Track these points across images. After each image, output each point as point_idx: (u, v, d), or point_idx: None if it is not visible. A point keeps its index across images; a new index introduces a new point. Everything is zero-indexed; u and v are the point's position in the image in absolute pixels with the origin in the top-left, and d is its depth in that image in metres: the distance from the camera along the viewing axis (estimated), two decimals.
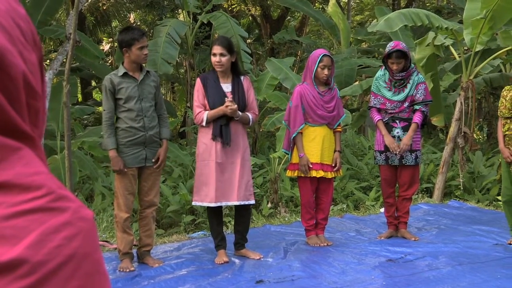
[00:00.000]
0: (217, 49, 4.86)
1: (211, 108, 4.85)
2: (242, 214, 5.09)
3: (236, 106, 4.80)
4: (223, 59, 4.86)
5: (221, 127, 4.84)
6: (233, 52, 4.96)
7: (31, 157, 0.58)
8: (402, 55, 5.42)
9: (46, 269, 0.52)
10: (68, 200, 0.58)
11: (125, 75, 4.70)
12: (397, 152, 5.49)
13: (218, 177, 4.82)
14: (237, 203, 4.90)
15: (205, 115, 4.84)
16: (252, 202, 5.03)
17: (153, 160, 4.80)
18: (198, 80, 5.02)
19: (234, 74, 5.01)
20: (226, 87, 4.94)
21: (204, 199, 4.86)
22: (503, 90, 5.48)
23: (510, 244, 5.44)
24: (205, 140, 4.89)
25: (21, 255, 0.51)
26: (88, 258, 0.56)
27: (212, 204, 4.84)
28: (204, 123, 4.85)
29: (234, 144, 4.90)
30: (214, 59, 4.88)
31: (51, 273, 0.52)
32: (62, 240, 0.54)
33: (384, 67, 5.66)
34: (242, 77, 5.06)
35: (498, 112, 5.48)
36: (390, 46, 5.49)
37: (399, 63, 5.43)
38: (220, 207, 5.03)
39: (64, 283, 0.53)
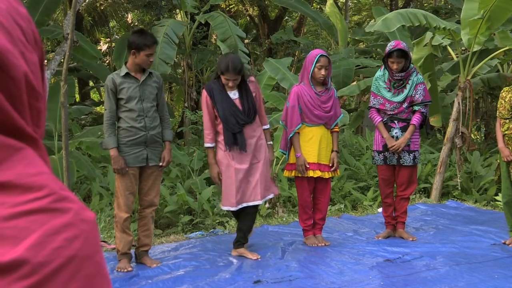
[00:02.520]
0: (231, 76, 4.85)
1: (221, 118, 4.90)
2: (249, 212, 5.13)
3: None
4: (235, 82, 4.92)
5: (235, 135, 4.90)
6: (242, 72, 4.97)
7: (33, 157, 0.58)
8: (403, 54, 5.42)
9: (46, 270, 0.52)
10: (70, 201, 0.58)
11: (127, 75, 4.71)
12: (391, 149, 5.50)
13: (238, 181, 4.92)
14: (260, 202, 5.07)
15: (207, 146, 5.05)
16: (275, 193, 5.33)
17: (160, 164, 4.83)
18: (204, 93, 5.03)
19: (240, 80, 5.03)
20: (233, 94, 4.96)
21: (226, 204, 5.04)
22: (502, 91, 5.49)
23: (506, 244, 5.45)
24: (220, 148, 5.01)
25: (22, 256, 0.51)
26: (89, 260, 0.56)
27: (233, 208, 4.98)
28: (204, 146, 5.14)
29: (250, 147, 4.98)
30: (227, 82, 4.91)
31: (51, 275, 0.52)
32: (63, 241, 0.54)
33: (383, 67, 5.67)
34: (248, 80, 5.06)
35: (497, 113, 5.48)
36: (391, 45, 5.50)
37: (399, 62, 5.43)
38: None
39: (64, 284, 0.53)
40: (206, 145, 5.04)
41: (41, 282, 0.51)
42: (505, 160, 5.35)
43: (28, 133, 0.59)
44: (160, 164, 4.84)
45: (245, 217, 5.14)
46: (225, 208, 5.12)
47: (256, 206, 5.16)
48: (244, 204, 4.98)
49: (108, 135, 4.66)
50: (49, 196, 0.56)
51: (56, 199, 0.56)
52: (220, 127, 4.96)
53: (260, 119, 5.13)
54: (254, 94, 5.03)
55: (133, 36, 4.77)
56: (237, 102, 4.92)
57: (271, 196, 5.17)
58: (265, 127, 5.18)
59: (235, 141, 4.89)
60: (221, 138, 4.96)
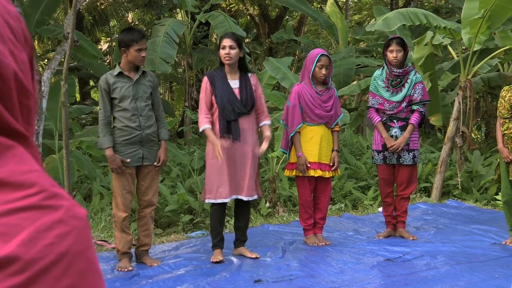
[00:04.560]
0: (226, 41, 4.87)
1: (218, 104, 4.82)
2: (243, 209, 5.11)
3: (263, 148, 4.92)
4: (232, 51, 4.86)
5: (229, 123, 4.85)
6: (242, 47, 4.99)
7: (24, 155, 0.58)
8: (402, 43, 5.45)
9: (38, 266, 0.52)
10: (61, 198, 0.58)
11: (120, 74, 4.71)
12: (391, 149, 5.50)
13: (230, 172, 4.84)
14: (245, 198, 4.94)
15: (205, 127, 4.82)
16: (259, 196, 5.09)
17: (155, 164, 4.81)
18: (205, 78, 4.98)
19: (242, 71, 5.03)
20: (234, 83, 4.93)
21: (218, 196, 4.85)
22: (502, 90, 5.49)
23: (506, 244, 5.44)
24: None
25: (13, 252, 0.51)
26: (81, 256, 0.56)
27: (227, 200, 4.86)
28: (200, 130, 4.93)
29: (243, 139, 4.91)
30: (223, 52, 4.87)
31: (43, 271, 0.52)
32: (54, 238, 0.54)
33: (382, 67, 5.68)
34: (249, 74, 5.06)
35: (497, 113, 5.48)
36: (390, 36, 5.59)
37: (399, 51, 5.44)
38: (225, 207, 5.04)
39: (56, 281, 0.53)
40: (204, 127, 4.84)
41: (32, 278, 0.51)
42: (506, 160, 5.35)
43: (18, 131, 0.60)
44: (155, 164, 4.83)
45: (240, 213, 5.13)
46: (211, 201, 4.90)
47: (249, 202, 5.10)
48: (239, 196, 4.92)
49: (103, 135, 4.65)
50: (40, 193, 0.56)
51: (47, 196, 0.56)
52: (215, 116, 4.89)
53: (261, 115, 5.06)
54: (254, 88, 5.02)
55: (121, 35, 4.80)
56: (236, 92, 4.91)
57: (255, 197, 5.07)
58: (266, 122, 5.05)
59: (229, 129, 4.84)
60: (215, 127, 4.87)
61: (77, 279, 0.55)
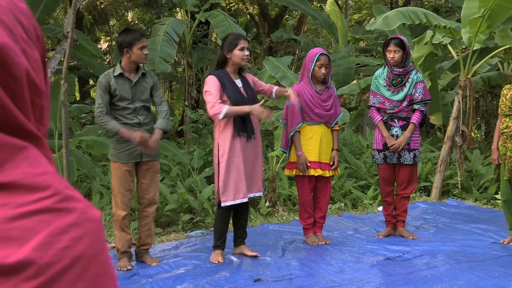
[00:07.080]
0: (245, 43, 4.89)
1: (233, 102, 4.77)
2: (244, 208, 5.11)
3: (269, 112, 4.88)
4: (249, 51, 4.94)
5: (244, 120, 4.84)
6: None
7: (37, 156, 0.58)
8: (401, 43, 5.44)
9: (53, 270, 0.51)
10: (75, 200, 0.57)
11: (120, 75, 4.70)
12: (391, 148, 5.50)
13: (246, 171, 4.84)
14: (258, 194, 5.01)
15: (225, 109, 4.65)
16: (262, 191, 5.16)
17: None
18: (213, 77, 4.85)
19: (239, 71, 5.04)
20: (238, 83, 4.95)
21: (236, 197, 4.83)
22: (504, 89, 5.53)
23: (504, 243, 5.45)
24: (227, 138, 4.82)
25: (28, 256, 0.51)
26: (95, 259, 0.56)
27: (245, 200, 4.85)
28: (220, 117, 4.67)
29: (255, 137, 4.97)
30: (242, 53, 4.85)
31: (58, 275, 0.52)
32: (69, 241, 0.54)
33: (383, 66, 5.68)
34: (243, 74, 5.07)
35: (499, 110, 5.51)
36: (389, 36, 5.59)
37: (397, 52, 5.44)
38: (231, 209, 5.02)
39: (71, 284, 0.52)
40: (225, 108, 4.64)
41: (47, 282, 0.51)
42: (493, 162, 5.36)
43: (31, 131, 0.59)
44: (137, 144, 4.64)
45: (241, 212, 5.11)
46: (229, 203, 4.81)
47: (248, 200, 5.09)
48: (251, 195, 4.95)
49: (107, 122, 4.55)
50: (54, 196, 0.56)
51: (61, 198, 0.56)
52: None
53: (265, 86, 5.18)
54: (252, 84, 5.04)
55: (120, 37, 4.80)
56: (242, 90, 4.93)
57: (262, 192, 5.12)
58: (275, 87, 5.20)
59: (245, 126, 4.84)
60: (228, 126, 4.81)
61: (92, 282, 0.54)
